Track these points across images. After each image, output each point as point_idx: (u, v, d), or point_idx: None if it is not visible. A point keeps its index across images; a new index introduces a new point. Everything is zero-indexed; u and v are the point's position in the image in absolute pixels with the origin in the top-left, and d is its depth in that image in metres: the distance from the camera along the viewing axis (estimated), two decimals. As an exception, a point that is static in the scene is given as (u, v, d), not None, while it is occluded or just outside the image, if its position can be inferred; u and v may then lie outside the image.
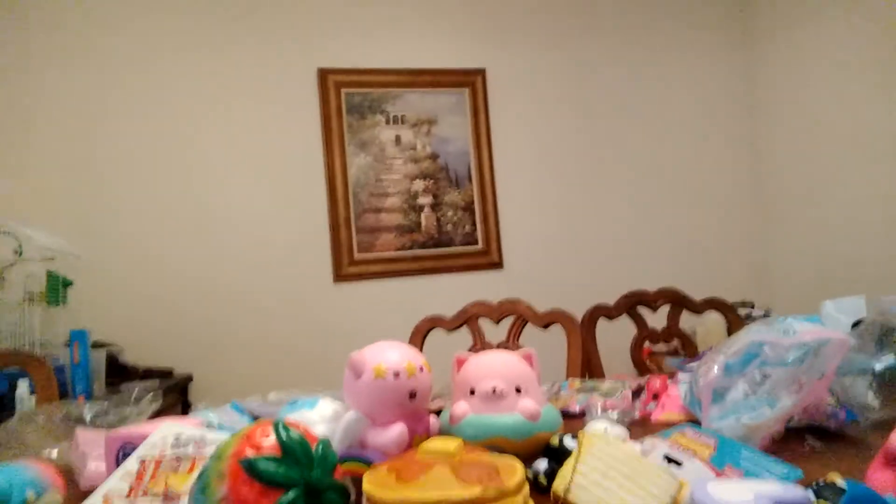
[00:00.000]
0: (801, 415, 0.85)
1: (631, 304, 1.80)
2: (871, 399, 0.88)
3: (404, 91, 2.85)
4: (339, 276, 2.71)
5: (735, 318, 1.82)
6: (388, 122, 2.83)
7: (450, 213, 2.87)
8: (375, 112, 2.81)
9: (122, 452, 0.79)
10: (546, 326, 1.63)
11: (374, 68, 2.83)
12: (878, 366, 0.90)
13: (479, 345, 1.66)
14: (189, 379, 2.43)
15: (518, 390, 0.81)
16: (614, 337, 1.92)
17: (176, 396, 2.29)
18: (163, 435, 0.76)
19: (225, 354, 2.57)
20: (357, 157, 2.78)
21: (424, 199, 2.85)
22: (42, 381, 1.53)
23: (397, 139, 2.83)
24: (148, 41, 2.60)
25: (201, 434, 0.77)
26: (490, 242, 2.90)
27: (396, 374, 0.77)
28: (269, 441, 0.57)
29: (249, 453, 0.55)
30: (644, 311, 1.80)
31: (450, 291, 2.82)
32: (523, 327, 1.67)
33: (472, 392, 0.82)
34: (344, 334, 2.70)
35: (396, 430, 0.75)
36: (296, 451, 0.57)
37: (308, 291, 2.70)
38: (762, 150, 3.26)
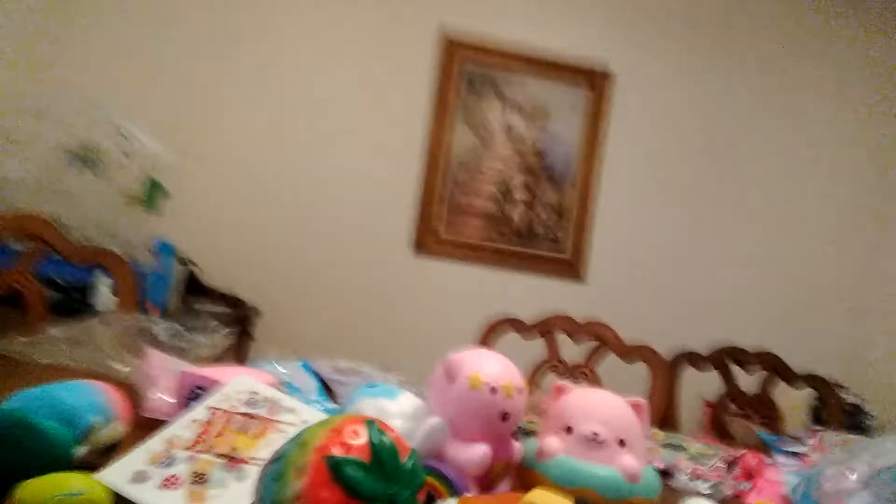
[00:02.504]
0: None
1: (723, 357, 1.66)
2: None
3: (524, 76, 2.73)
4: (422, 249, 2.66)
5: (835, 403, 1.66)
6: (502, 105, 2.72)
7: (543, 216, 2.75)
8: (491, 92, 2.71)
9: (193, 393, 0.76)
10: (630, 361, 1.52)
11: (499, 49, 2.70)
12: None
13: (556, 362, 1.57)
14: (256, 312, 2.45)
15: (621, 443, 0.72)
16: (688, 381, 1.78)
17: (240, 327, 2.30)
18: (237, 389, 0.72)
19: (296, 297, 2.58)
20: (465, 135, 2.70)
21: (521, 195, 2.74)
22: (124, 283, 1.53)
23: (508, 128, 2.72)
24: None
25: (277, 397, 0.72)
26: (579, 254, 2.77)
27: (493, 390, 0.69)
28: (360, 441, 0.51)
29: (337, 451, 0.49)
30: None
31: (525, 292, 2.72)
32: (604, 355, 1.57)
33: (569, 430, 0.73)
34: (415, 308, 2.67)
35: (481, 451, 0.68)
36: (386, 460, 0.50)
37: (387, 257, 2.67)
38: (891, 216, 2.96)
